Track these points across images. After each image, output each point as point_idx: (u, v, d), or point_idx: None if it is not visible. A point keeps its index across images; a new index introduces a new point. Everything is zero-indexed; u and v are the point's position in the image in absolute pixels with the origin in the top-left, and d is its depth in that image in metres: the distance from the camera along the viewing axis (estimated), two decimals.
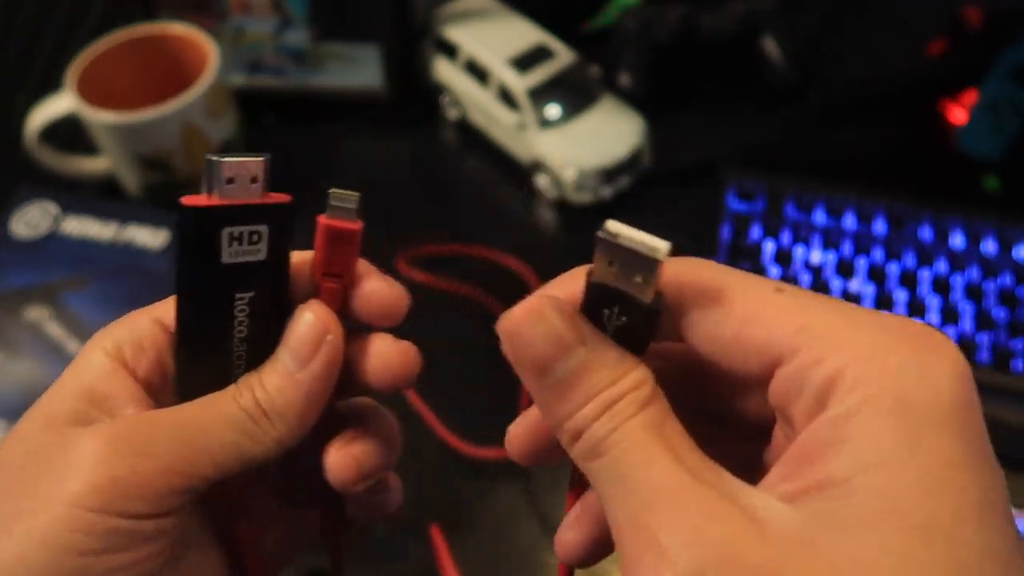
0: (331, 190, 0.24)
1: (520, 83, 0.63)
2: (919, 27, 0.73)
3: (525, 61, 0.64)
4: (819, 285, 0.58)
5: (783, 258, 0.59)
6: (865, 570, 0.16)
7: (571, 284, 0.21)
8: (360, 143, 0.70)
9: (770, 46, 0.71)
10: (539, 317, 0.19)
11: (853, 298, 0.58)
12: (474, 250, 0.60)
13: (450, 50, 0.68)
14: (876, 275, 0.59)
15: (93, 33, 0.67)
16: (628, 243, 0.19)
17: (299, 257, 0.25)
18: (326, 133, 0.70)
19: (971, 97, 0.67)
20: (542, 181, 0.64)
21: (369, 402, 0.28)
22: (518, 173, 0.66)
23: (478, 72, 0.66)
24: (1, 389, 0.52)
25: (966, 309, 0.57)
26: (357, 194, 0.24)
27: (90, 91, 0.59)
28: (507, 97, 0.64)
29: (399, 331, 0.26)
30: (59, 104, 0.60)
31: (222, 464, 0.23)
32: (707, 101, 0.72)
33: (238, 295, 0.24)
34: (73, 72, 0.59)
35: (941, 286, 0.58)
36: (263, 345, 0.24)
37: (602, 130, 0.63)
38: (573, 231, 0.64)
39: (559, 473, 0.50)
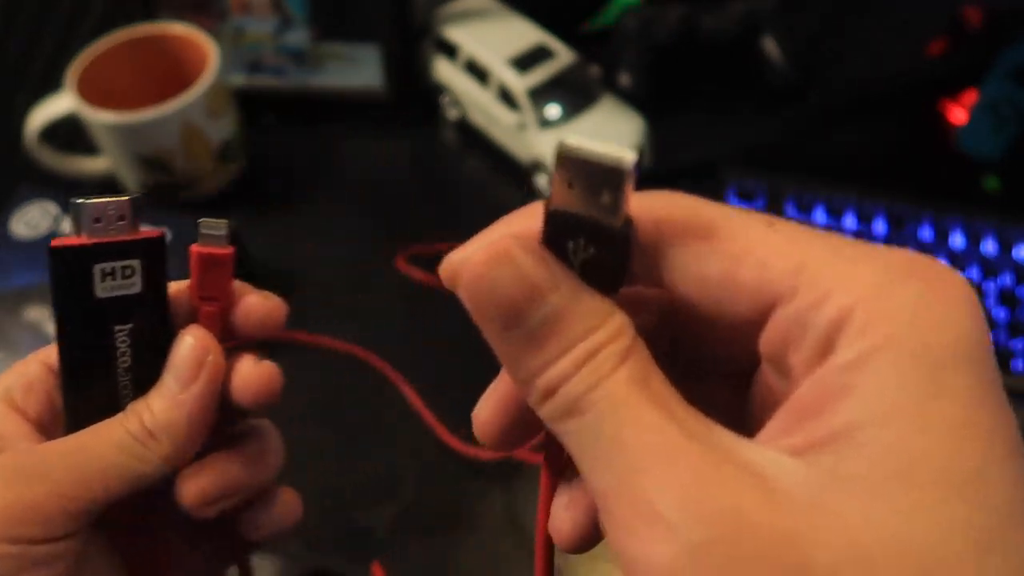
0: (200, 220, 0.25)
1: (520, 83, 0.63)
2: (919, 27, 0.73)
3: (525, 61, 0.64)
4: None
5: None
6: (891, 532, 0.14)
7: (525, 220, 0.18)
8: (360, 143, 0.70)
9: (770, 46, 0.71)
10: (505, 259, 0.17)
11: None
12: None
13: (450, 50, 0.68)
14: None
15: (93, 33, 0.67)
16: (589, 156, 0.17)
17: (178, 286, 0.26)
18: (326, 133, 0.70)
19: (971, 97, 0.67)
20: (542, 181, 0.64)
21: (256, 424, 0.29)
22: (518, 173, 0.66)
23: (478, 72, 0.66)
24: None
25: None
26: (225, 221, 0.25)
27: (90, 91, 0.59)
28: (507, 97, 0.64)
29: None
30: (59, 104, 0.60)
31: (112, 486, 0.24)
32: (707, 101, 0.72)
33: (117, 327, 0.25)
34: (73, 72, 0.59)
35: None
36: (148, 373, 0.26)
37: (602, 130, 0.63)
38: None
39: None
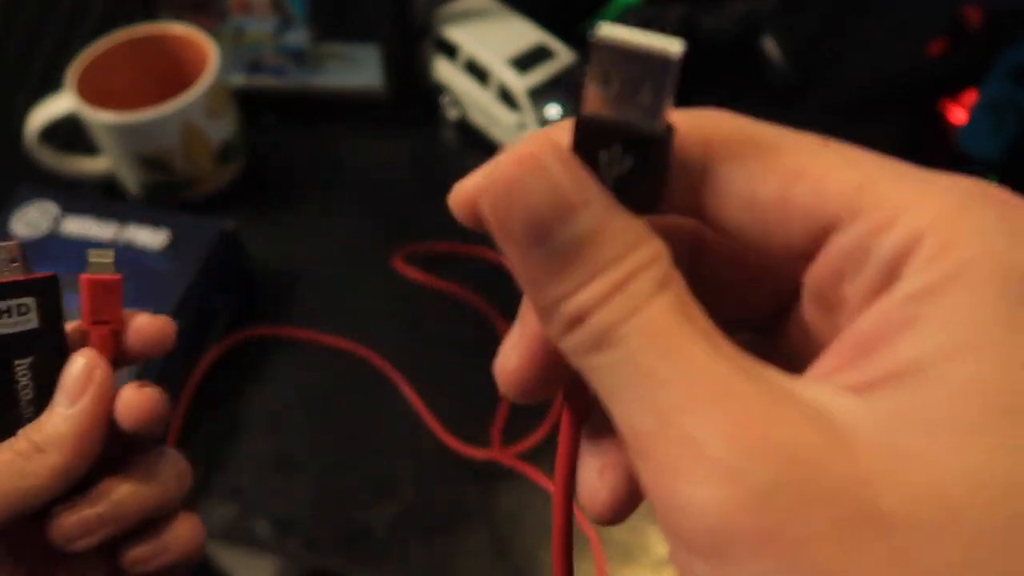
0: (89, 250, 0.27)
1: (520, 83, 0.63)
2: (919, 27, 0.73)
3: (525, 61, 0.64)
4: None
5: None
6: (972, 473, 0.13)
7: (559, 133, 0.16)
8: (360, 143, 0.70)
9: (770, 46, 0.71)
10: (537, 167, 0.15)
11: None
12: (473, 250, 0.60)
13: (450, 50, 0.68)
14: None
15: (93, 33, 0.67)
16: (629, 45, 0.15)
17: (74, 323, 0.28)
18: (326, 133, 0.70)
19: (971, 97, 0.67)
20: None
21: (156, 451, 0.29)
22: None
23: (478, 72, 0.66)
24: None
25: None
26: (112, 250, 0.27)
27: (90, 91, 0.59)
28: (507, 97, 0.64)
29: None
30: (59, 104, 0.60)
31: (1, 507, 0.25)
32: (707, 101, 0.71)
33: (17, 361, 0.27)
34: (73, 72, 0.59)
35: None
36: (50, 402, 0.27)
37: None
38: None
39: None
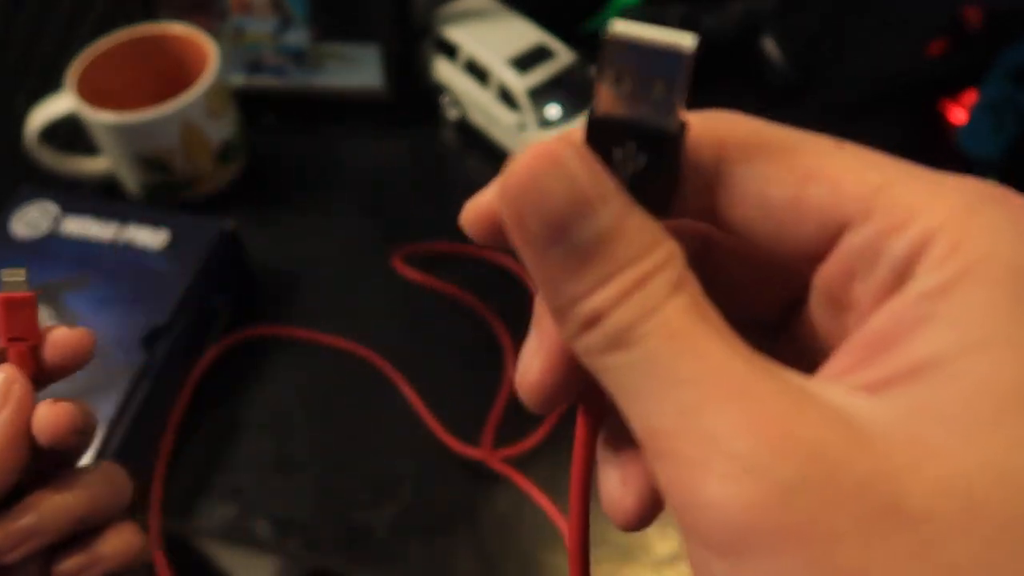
0: (2, 271, 0.28)
1: (520, 83, 0.63)
2: (919, 27, 0.73)
3: (525, 61, 0.64)
4: None
5: None
6: (994, 467, 0.13)
7: (574, 133, 0.16)
8: (360, 143, 0.70)
9: (770, 46, 0.71)
10: (556, 164, 0.15)
11: None
12: (473, 250, 0.60)
13: (450, 50, 0.68)
14: None
15: (93, 33, 0.67)
16: (642, 41, 0.15)
17: None
18: (326, 133, 0.70)
19: (971, 97, 0.67)
20: None
21: (88, 466, 0.29)
22: None
23: (478, 72, 0.66)
24: None
25: None
26: (24, 269, 0.28)
27: (90, 91, 0.59)
28: (507, 97, 0.64)
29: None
30: (59, 104, 0.60)
31: None
32: (707, 101, 0.71)
33: None
34: (73, 72, 0.59)
35: None
36: None
37: None
38: None
39: (558, 472, 0.50)
